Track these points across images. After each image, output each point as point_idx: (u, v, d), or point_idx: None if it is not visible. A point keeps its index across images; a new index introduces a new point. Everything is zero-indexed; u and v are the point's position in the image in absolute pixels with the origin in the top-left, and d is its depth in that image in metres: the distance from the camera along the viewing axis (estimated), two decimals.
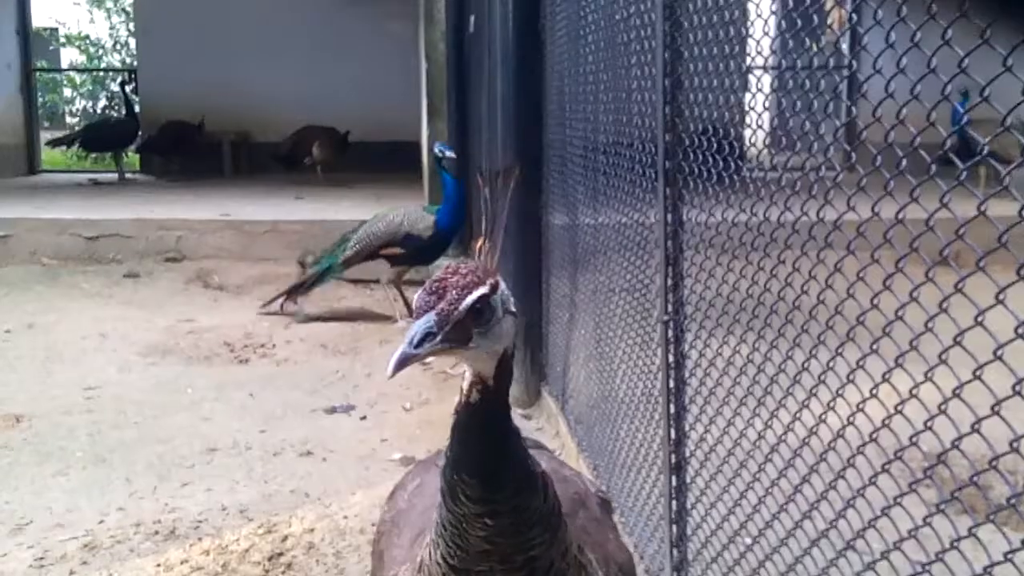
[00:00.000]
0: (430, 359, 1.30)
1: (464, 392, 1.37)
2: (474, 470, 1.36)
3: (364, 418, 4.89)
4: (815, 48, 2.19)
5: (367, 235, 7.02)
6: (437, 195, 9.49)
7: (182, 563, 3.31)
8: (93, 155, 16.32)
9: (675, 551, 2.75)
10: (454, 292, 1.30)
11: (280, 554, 3.37)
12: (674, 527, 2.75)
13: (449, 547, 1.40)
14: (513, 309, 1.37)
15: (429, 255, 7.13)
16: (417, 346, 1.27)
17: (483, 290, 1.31)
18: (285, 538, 3.49)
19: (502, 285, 1.35)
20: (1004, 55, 1.34)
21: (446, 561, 1.41)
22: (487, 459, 1.37)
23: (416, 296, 1.32)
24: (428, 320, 1.28)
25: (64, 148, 15.66)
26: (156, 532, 3.58)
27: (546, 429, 4.61)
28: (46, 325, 6.78)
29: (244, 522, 3.65)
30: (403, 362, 1.27)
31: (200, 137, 14.15)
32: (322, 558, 3.36)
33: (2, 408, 4.93)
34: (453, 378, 5.54)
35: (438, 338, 1.28)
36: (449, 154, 6.85)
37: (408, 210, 7.08)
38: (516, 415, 4.88)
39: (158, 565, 3.30)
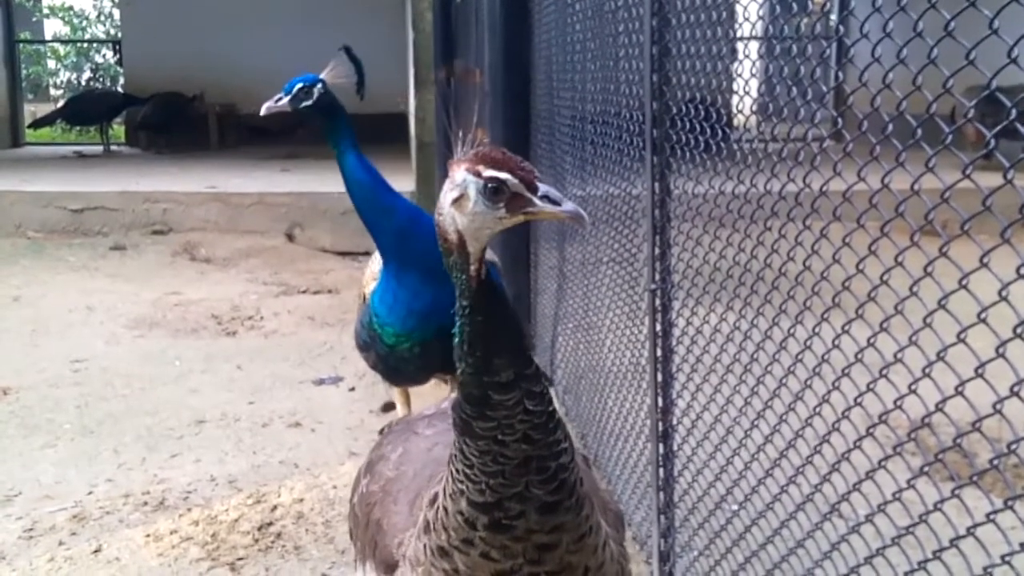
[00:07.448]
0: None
1: (474, 275, 1.39)
2: (504, 346, 1.38)
3: (352, 389, 4.89)
4: (803, 15, 2.17)
5: None
6: (428, 174, 9.27)
7: (171, 533, 3.32)
8: (78, 127, 16.14)
9: (662, 518, 2.77)
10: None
11: (270, 524, 3.39)
12: (661, 494, 2.77)
13: (479, 481, 1.39)
14: None
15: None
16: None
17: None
18: (274, 508, 3.50)
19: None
20: (990, 17, 1.33)
21: (476, 503, 1.40)
22: (513, 331, 1.40)
23: (521, 165, 1.41)
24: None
25: (49, 127, 15.51)
26: (145, 503, 3.59)
27: None
28: (32, 298, 6.75)
29: (233, 492, 3.66)
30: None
31: (192, 110, 14.02)
32: (311, 527, 3.38)
33: None
34: None
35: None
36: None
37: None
38: None
39: (147, 535, 3.31)
